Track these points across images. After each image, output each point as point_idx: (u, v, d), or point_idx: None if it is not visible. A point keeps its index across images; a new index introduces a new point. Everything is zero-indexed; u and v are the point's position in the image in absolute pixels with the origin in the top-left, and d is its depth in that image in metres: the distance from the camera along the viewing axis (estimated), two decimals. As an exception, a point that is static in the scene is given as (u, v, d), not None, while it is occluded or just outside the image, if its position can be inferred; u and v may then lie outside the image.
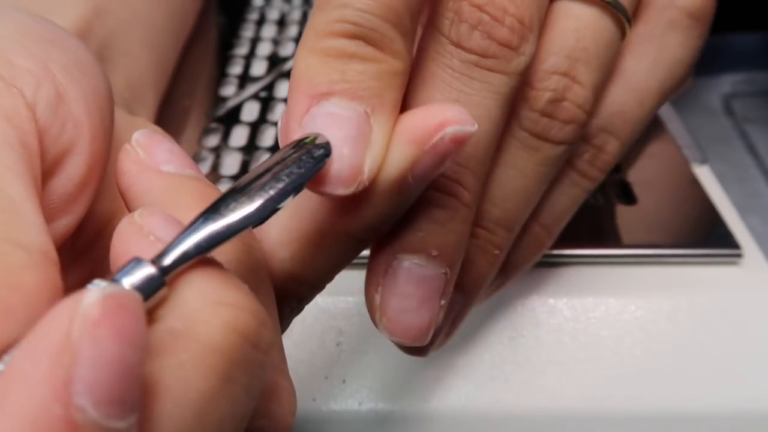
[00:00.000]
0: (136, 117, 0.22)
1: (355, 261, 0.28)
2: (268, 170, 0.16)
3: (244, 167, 0.33)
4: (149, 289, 0.13)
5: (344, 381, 0.27)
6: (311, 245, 0.18)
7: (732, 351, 0.27)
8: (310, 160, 0.16)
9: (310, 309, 0.28)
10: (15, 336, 0.12)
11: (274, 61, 0.41)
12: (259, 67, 0.40)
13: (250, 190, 0.15)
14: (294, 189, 0.15)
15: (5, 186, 0.14)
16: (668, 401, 0.27)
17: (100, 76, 0.19)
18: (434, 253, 0.19)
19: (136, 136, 0.19)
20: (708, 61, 0.45)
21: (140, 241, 0.15)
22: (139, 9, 0.32)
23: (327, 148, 0.16)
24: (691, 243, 0.29)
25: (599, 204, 0.31)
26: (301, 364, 0.27)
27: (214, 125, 0.36)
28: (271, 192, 0.15)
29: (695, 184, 0.32)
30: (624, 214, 0.31)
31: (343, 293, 0.28)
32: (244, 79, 0.39)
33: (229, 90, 0.38)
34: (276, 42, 0.43)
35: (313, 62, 0.17)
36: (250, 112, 0.37)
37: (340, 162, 0.16)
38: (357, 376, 0.27)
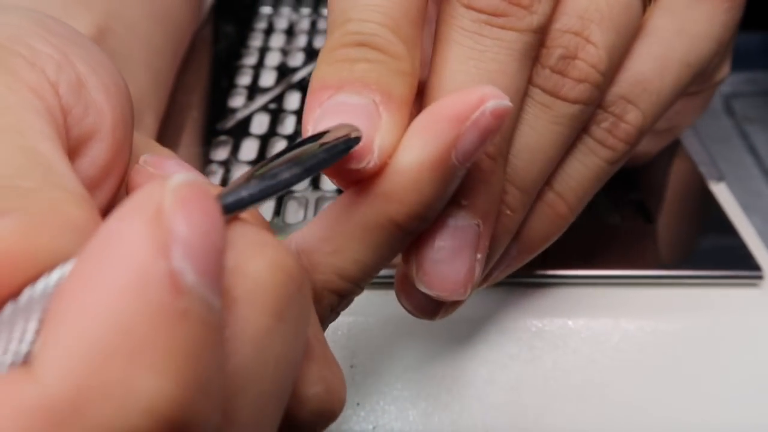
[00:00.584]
0: (148, 138, 0.22)
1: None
2: (307, 143, 0.16)
3: (255, 181, 0.32)
4: None
5: (358, 404, 0.26)
6: (355, 238, 0.18)
7: (753, 374, 0.27)
8: (342, 143, 0.17)
9: (323, 329, 0.27)
10: (65, 253, 0.12)
11: (283, 71, 0.40)
12: (268, 78, 0.40)
13: (293, 158, 0.16)
14: (336, 156, 0.16)
15: (36, 145, 0.14)
16: (688, 425, 0.26)
17: (118, 74, 0.19)
18: (463, 202, 0.19)
19: (145, 157, 0.20)
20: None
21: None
22: (140, 30, 0.32)
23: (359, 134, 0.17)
24: (711, 264, 0.29)
25: (616, 224, 0.31)
26: (314, 387, 0.26)
27: (223, 137, 0.35)
28: (314, 159, 0.16)
29: (713, 202, 0.32)
30: (641, 234, 0.30)
31: (356, 314, 0.27)
32: (253, 90, 0.39)
33: (237, 101, 0.38)
34: (285, 52, 0.42)
35: (325, 69, 0.18)
36: (260, 124, 0.36)
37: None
38: (371, 398, 0.26)
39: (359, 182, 0.18)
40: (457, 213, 0.19)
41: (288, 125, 0.36)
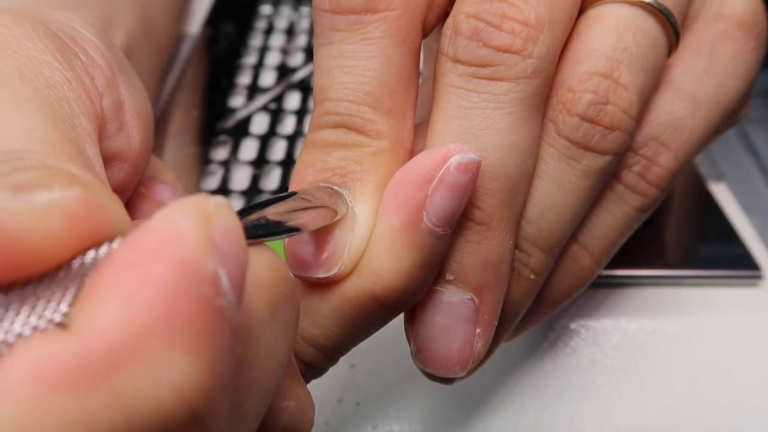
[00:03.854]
0: (155, 158, 0.22)
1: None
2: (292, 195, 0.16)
3: (254, 182, 0.32)
4: None
5: (358, 404, 0.26)
6: (328, 307, 0.17)
7: (752, 374, 0.27)
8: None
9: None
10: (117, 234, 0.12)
11: (283, 71, 0.40)
12: (267, 78, 0.40)
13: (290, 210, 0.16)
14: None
15: (84, 144, 0.15)
16: (688, 425, 0.26)
17: (148, 101, 0.20)
18: (449, 277, 0.18)
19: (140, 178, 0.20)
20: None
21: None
22: (135, 45, 0.32)
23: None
24: (710, 264, 0.29)
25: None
26: (314, 387, 0.26)
27: (223, 137, 0.35)
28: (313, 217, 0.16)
29: (713, 202, 0.32)
30: (641, 234, 0.30)
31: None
32: (253, 89, 0.39)
33: (237, 101, 0.38)
34: (285, 51, 0.42)
35: (303, 155, 0.18)
36: (260, 124, 0.36)
37: (319, 247, 0.17)
38: (371, 399, 0.26)
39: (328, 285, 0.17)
40: (445, 287, 0.18)
41: (288, 125, 0.36)
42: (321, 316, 0.17)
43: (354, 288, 0.17)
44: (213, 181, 0.32)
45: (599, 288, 0.29)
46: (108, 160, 0.17)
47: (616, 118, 0.18)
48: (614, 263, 0.29)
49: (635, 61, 0.19)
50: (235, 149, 0.34)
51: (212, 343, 0.11)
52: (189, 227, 0.11)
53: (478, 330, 0.18)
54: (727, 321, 0.28)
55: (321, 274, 0.17)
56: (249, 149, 0.34)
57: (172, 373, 0.10)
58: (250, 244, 0.15)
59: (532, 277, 0.19)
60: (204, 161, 0.34)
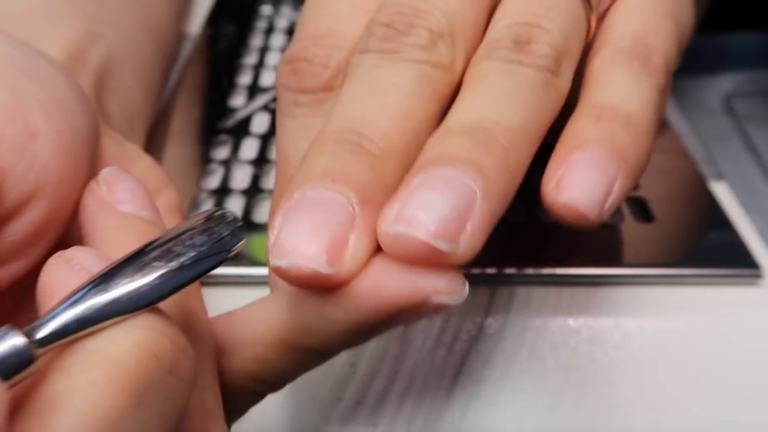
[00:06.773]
0: (130, 145, 0.22)
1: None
2: (177, 238, 0.15)
3: (255, 181, 0.32)
4: (14, 363, 0.13)
5: (359, 403, 0.26)
6: (273, 351, 0.17)
7: (752, 373, 0.27)
8: (221, 243, 0.15)
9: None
10: None
11: (284, 71, 0.40)
12: (268, 77, 0.40)
13: (152, 262, 0.14)
14: (200, 273, 0.15)
15: None
16: (688, 424, 0.26)
17: (80, 113, 0.19)
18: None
19: (104, 172, 0.19)
20: (708, 60, 0.44)
21: (66, 270, 0.14)
22: (133, 40, 0.32)
23: (238, 234, 0.15)
24: (710, 263, 0.29)
25: (616, 223, 0.31)
26: (315, 386, 0.26)
27: (223, 137, 0.35)
28: (175, 269, 0.14)
29: (713, 201, 0.32)
30: (641, 233, 0.30)
31: (357, 312, 0.28)
32: (254, 89, 0.39)
33: (238, 100, 0.38)
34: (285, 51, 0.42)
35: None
36: (260, 123, 0.36)
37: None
38: (372, 398, 0.26)
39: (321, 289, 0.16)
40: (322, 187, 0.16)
41: (288, 124, 0.36)
42: (271, 362, 0.18)
43: (298, 341, 0.17)
44: (213, 181, 0.32)
45: (599, 287, 0.29)
46: (25, 202, 0.17)
47: (542, 50, 0.18)
48: (614, 262, 0.29)
49: (552, 10, 0.19)
50: (235, 149, 0.34)
51: None
52: None
53: (352, 236, 0.16)
54: (727, 320, 0.28)
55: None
56: (249, 149, 0.35)
57: None
58: (114, 323, 0.13)
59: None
60: (204, 160, 0.34)
